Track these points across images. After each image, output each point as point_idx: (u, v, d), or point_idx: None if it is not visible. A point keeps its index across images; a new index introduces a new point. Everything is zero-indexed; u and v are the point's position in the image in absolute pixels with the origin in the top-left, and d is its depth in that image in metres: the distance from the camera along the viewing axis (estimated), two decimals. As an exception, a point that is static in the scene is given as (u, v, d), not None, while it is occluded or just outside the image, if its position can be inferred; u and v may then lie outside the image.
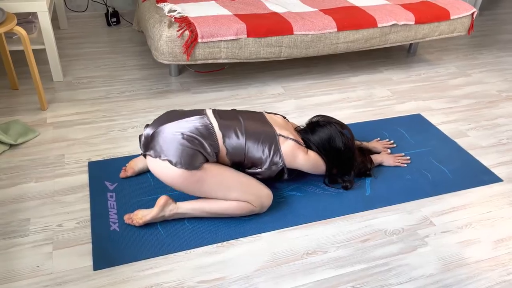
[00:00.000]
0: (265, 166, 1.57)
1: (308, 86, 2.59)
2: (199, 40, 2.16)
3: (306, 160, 1.63)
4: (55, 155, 1.88)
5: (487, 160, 2.01)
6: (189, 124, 1.51)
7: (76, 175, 1.77)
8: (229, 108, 2.28)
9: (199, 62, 2.24)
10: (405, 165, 1.94)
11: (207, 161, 1.49)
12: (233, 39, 2.22)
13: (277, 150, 1.57)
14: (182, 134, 1.47)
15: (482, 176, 1.92)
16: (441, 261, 1.49)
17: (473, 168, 1.96)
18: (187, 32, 2.15)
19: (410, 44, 3.08)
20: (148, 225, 1.54)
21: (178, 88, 2.48)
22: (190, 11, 2.34)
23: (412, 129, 2.21)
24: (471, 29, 2.81)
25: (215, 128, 1.53)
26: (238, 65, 2.78)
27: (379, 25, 2.49)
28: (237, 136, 1.54)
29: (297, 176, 1.82)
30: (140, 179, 1.76)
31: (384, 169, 1.90)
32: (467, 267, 1.47)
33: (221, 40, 2.20)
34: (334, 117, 1.79)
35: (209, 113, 1.59)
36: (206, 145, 1.48)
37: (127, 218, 1.53)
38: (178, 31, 2.14)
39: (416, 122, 2.29)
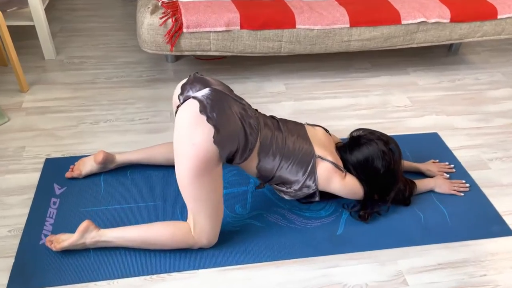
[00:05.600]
0: (296, 187, 1.43)
1: (314, 86, 2.29)
2: (184, 30, 1.93)
3: (342, 185, 1.46)
4: (16, 146, 1.78)
5: (503, 204, 1.66)
6: (247, 113, 1.33)
7: (28, 172, 1.67)
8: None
9: (186, 53, 2.02)
10: (462, 194, 1.67)
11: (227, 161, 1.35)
12: (223, 31, 1.97)
13: (313, 173, 1.42)
14: (243, 117, 1.30)
15: (491, 225, 1.58)
16: (401, 337, 1.23)
17: (482, 214, 1.62)
18: (170, 21, 1.92)
19: (451, 41, 2.63)
20: (78, 244, 1.41)
21: (170, 77, 2.28)
22: (184, -7, 2.09)
23: (421, 152, 1.86)
24: (526, 31, 2.33)
25: (260, 131, 1.37)
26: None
27: (404, 22, 2.10)
28: (273, 151, 1.39)
29: (262, 201, 1.60)
30: (91, 184, 1.63)
31: (368, 203, 1.61)
32: None
33: (210, 31, 1.96)
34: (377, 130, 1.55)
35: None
36: (249, 141, 1.32)
37: (48, 240, 1.37)
38: (160, 18, 1.92)
39: (429, 143, 1.95)
